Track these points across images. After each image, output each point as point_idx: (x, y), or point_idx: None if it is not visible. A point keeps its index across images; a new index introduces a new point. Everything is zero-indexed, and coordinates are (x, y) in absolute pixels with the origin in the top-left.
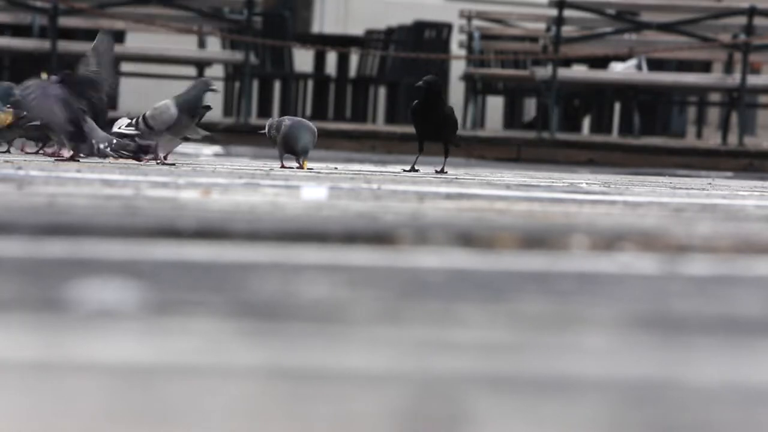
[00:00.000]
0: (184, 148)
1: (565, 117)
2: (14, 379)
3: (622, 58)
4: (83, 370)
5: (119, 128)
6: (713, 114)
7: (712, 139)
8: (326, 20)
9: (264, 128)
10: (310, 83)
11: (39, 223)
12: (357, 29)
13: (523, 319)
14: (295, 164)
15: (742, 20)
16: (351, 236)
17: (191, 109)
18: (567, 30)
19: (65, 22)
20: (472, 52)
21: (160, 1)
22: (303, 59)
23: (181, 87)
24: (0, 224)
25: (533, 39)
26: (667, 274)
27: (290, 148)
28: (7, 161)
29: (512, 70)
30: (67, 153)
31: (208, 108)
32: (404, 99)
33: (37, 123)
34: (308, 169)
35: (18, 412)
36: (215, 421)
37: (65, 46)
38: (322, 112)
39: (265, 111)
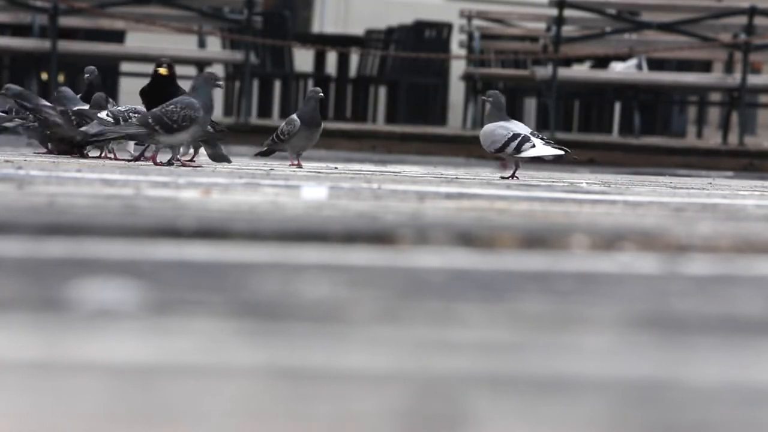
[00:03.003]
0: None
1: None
2: (14, 379)
3: (622, 58)
4: (83, 370)
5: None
6: (713, 114)
7: (712, 138)
8: (326, 20)
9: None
10: (310, 83)
11: (39, 223)
12: (357, 29)
13: (523, 319)
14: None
15: (742, 20)
16: (351, 236)
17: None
18: (567, 30)
19: (65, 21)
20: (472, 52)
21: (160, 1)
22: (303, 59)
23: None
24: (0, 224)
25: (533, 39)
26: (667, 274)
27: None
28: (7, 161)
29: (512, 70)
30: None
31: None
32: (404, 99)
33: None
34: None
35: (18, 412)
36: (215, 421)
37: (65, 46)
38: (322, 111)
39: (265, 111)
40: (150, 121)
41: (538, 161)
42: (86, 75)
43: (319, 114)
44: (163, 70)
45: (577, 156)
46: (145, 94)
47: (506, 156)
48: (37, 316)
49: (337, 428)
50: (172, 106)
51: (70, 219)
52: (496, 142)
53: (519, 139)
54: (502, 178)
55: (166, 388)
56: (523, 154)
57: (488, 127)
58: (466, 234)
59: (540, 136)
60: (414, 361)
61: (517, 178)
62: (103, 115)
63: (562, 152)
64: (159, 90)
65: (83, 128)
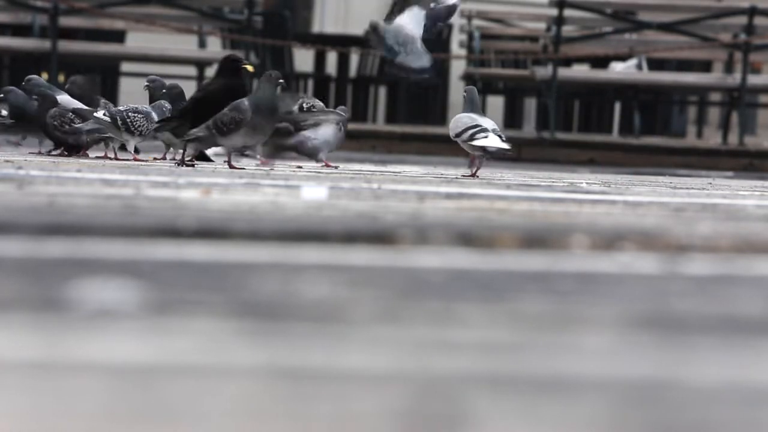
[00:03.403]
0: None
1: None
2: (14, 379)
3: (622, 58)
4: (83, 370)
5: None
6: (713, 114)
7: (712, 138)
8: (326, 20)
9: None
10: (310, 83)
11: (39, 223)
12: (357, 29)
13: (523, 319)
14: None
15: (742, 20)
16: (351, 236)
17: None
18: (567, 30)
19: (65, 22)
20: (472, 52)
21: (160, 1)
22: (303, 59)
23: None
24: (0, 224)
25: (533, 39)
26: (667, 274)
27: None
28: (7, 161)
29: (512, 70)
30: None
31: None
32: (404, 99)
33: None
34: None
35: (18, 412)
36: (215, 421)
37: (65, 46)
38: None
39: None
40: (210, 123)
41: (483, 151)
42: (67, 85)
43: None
44: (250, 67)
45: (513, 152)
46: (214, 92)
47: (461, 143)
48: (37, 316)
49: (337, 428)
50: (226, 109)
51: (70, 219)
52: (457, 128)
53: (477, 129)
54: (463, 176)
55: (166, 388)
56: (474, 142)
57: (459, 115)
58: (466, 234)
59: (499, 134)
60: (414, 361)
61: (476, 176)
62: (99, 114)
63: (506, 147)
64: (231, 89)
65: (78, 125)
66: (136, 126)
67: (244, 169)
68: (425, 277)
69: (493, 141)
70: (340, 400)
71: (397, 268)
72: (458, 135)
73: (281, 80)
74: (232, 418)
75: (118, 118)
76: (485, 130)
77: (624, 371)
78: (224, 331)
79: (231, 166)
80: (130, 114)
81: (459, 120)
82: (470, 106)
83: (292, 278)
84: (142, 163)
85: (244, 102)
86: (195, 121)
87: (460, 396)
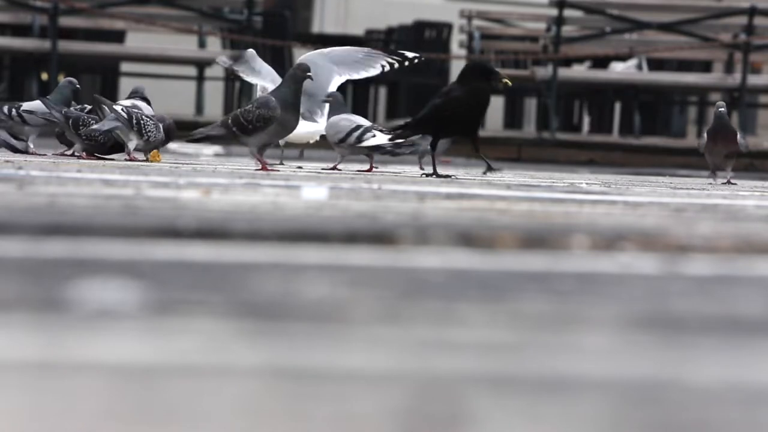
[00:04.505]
0: (185, 147)
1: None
2: (15, 378)
3: (622, 58)
4: (84, 370)
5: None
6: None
7: None
8: (326, 20)
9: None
10: None
11: (39, 223)
12: (357, 29)
13: (523, 319)
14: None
15: (742, 20)
16: (351, 236)
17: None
18: (567, 30)
19: (65, 22)
20: (472, 52)
21: (160, 1)
22: None
23: (181, 87)
24: (0, 224)
25: (533, 39)
26: (667, 274)
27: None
28: (7, 161)
29: (512, 70)
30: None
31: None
32: (404, 99)
33: None
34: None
35: (19, 412)
36: (215, 421)
37: (65, 46)
38: None
39: None
40: (229, 122)
41: (378, 150)
42: None
43: None
44: (509, 81)
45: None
46: (458, 104)
47: (347, 146)
48: (37, 316)
49: (337, 428)
50: (249, 106)
51: (70, 219)
52: (339, 133)
53: (360, 129)
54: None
55: (166, 388)
56: (364, 144)
57: (333, 119)
58: (466, 234)
59: (380, 128)
60: (414, 361)
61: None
62: (118, 108)
63: (399, 140)
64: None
65: (96, 126)
66: (147, 130)
67: (278, 170)
68: (425, 277)
69: (383, 139)
70: (340, 400)
71: (397, 268)
72: (342, 140)
73: (309, 73)
74: (233, 417)
75: (133, 117)
76: (369, 129)
77: (624, 371)
78: (224, 331)
79: (263, 166)
80: (144, 117)
81: (337, 125)
82: (341, 108)
83: (292, 278)
84: (140, 163)
85: (272, 99)
86: (437, 129)
87: (461, 396)
